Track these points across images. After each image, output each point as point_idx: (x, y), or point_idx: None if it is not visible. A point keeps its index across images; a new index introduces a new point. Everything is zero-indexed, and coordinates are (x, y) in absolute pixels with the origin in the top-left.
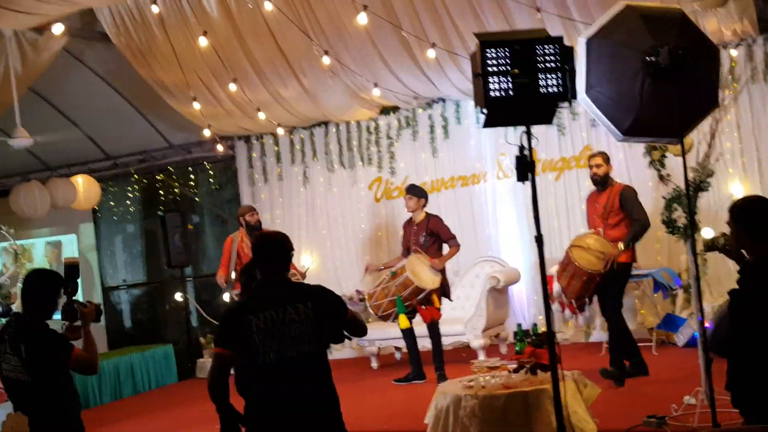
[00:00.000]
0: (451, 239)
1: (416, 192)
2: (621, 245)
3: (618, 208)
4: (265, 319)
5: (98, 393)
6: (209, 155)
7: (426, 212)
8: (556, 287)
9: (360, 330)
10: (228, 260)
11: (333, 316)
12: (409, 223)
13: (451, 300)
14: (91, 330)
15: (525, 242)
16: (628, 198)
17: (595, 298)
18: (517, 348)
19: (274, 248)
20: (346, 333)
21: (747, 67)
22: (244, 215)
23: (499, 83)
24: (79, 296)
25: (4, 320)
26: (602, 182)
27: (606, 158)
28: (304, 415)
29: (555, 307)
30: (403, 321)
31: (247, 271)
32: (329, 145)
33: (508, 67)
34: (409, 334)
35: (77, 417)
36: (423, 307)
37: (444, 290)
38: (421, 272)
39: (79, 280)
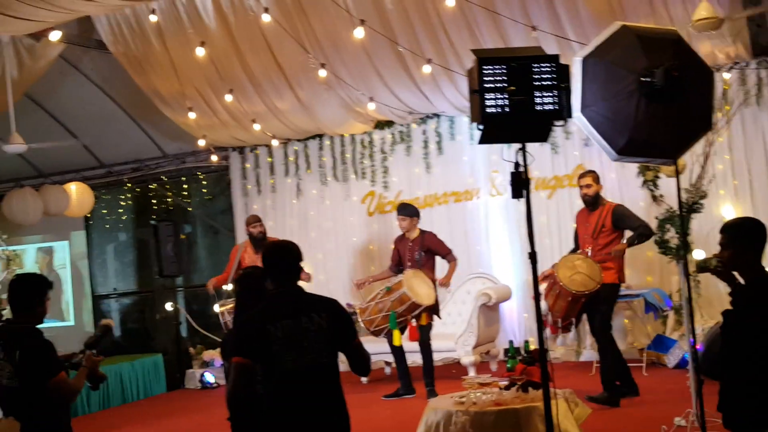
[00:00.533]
0: (448, 254)
1: (408, 212)
2: (624, 241)
3: (610, 228)
4: (282, 328)
5: (86, 402)
6: (203, 165)
7: (419, 229)
8: (543, 305)
9: (363, 366)
10: (230, 269)
11: (342, 334)
12: (402, 239)
13: (440, 317)
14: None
15: (516, 259)
16: (623, 214)
17: (585, 318)
18: (508, 365)
19: (285, 257)
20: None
21: (740, 90)
22: (248, 225)
23: (495, 100)
24: (70, 305)
25: None
26: (593, 202)
27: (595, 177)
28: (317, 424)
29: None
30: (396, 337)
31: (241, 281)
32: (323, 157)
33: (505, 84)
34: (398, 350)
35: (67, 424)
36: (414, 323)
37: (435, 307)
38: (419, 288)
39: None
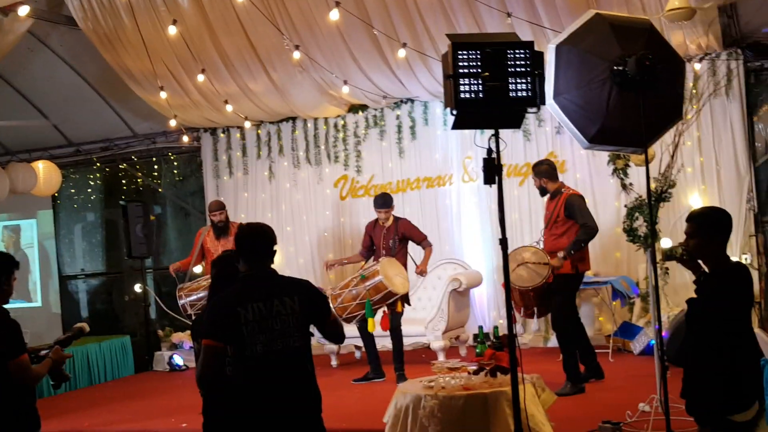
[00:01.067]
0: (423, 240)
1: (387, 203)
2: (560, 254)
3: (563, 218)
4: (253, 311)
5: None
6: (174, 146)
7: (393, 216)
8: None
9: (338, 337)
10: (194, 252)
11: (316, 314)
12: (376, 225)
13: (409, 305)
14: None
15: (487, 245)
16: (573, 204)
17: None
18: (477, 350)
19: (259, 240)
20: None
21: (710, 81)
22: (210, 212)
23: (469, 85)
24: (37, 286)
25: None
26: (543, 193)
27: (538, 172)
28: (287, 407)
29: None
30: (371, 325)
31: (218, 263)
32: (296, 141)
33: (479, 70)
34: (369, 335)
35: (32, 405)
36: (388, 312)
37: (406, 295)
38: (394, 277)
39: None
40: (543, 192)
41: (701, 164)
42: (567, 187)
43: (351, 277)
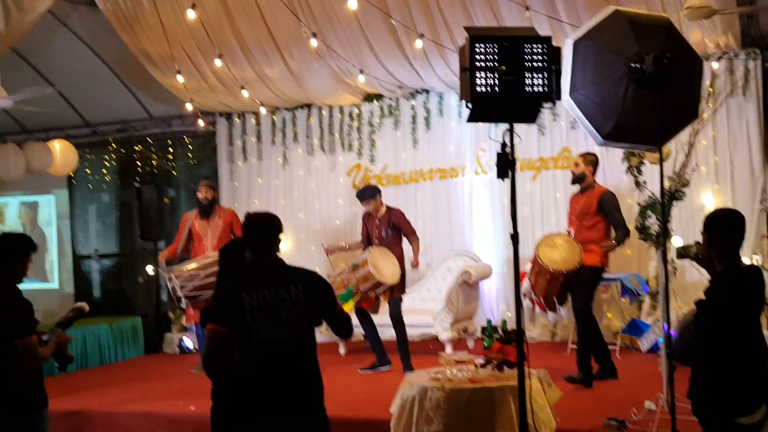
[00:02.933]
0: (411, 234)
1: (368, 195)
2: (613, 240)
3: (594, 211)
4: (258, 299)
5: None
6: (189, 129)
7: (386, 205)
8: (525, 283)
9: (345, 330)
10: (179, 239)
11: (322, 305)
12: (370, 216)
13: (404, 292)
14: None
15: (498, 238)
16: (608, 202)
17: (570, 299)
18: (485, 343)
19: (265, 229)
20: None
21: (727, 80)
22: (197, 190)
23: (485, 79)
24: (54, 266)
25: None
26: (578, 180)
27: (586, 160)
28: (289, 395)
29: (525, 303)
30: (348, 305)
31: (225, 251)
32: (311, 128)
33: (496, 63)
34: (367, 321)
35: (40, 383)
36: (375, 298)
37: (403, 284)
38: (383, 267)
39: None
40: (579, 180)
41: (715, 163)
42: (598, 184)
43: (345, 265)
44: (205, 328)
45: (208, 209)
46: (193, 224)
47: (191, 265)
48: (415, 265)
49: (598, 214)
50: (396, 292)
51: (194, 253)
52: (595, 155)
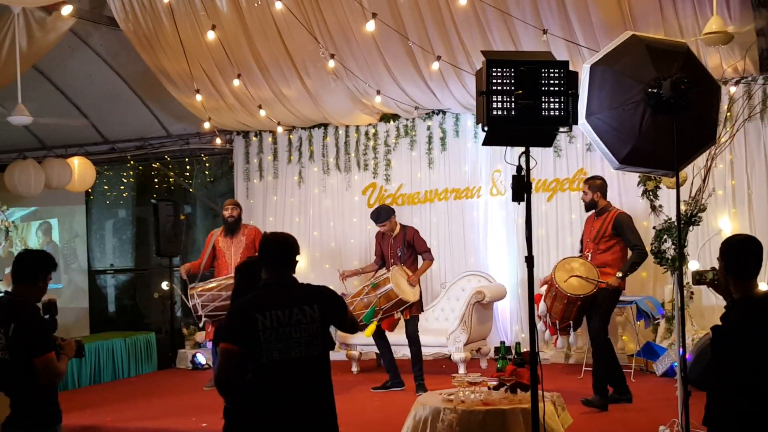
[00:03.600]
0: (425, 252)
1: (384, 217)
2: (619, 273)
3: (610, 234)
4: (271, 319)
5: (77, 376)
6: (207, 147)
7: (400, 224)
8: (542, 306)
9: (354, 328)
10: (204, 255)
11: (336, 319)
12: (384, 235)
13: (422, 311)
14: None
15: (513, 259)
16: (623, 224)
17: (584, 322)
18: (498, 365)
19: (281, 249)
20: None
21: (745, 104)
22: (223, 207)
23: (502, 102)
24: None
25: None
26: (590, 207)
27: (592, 186)
28: (302, 415)
29: (539, 326)
30: (369, 330)
31: (241, 269)
32: (327, 147)
33: (512, 88)
34: (383, 343)
35: (54, 400)
36: (395, 317)
37: (421, 302)
38: (404, 285)
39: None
40: (591, 207)
41: (733, 187)
42: (613, 206)
43: (363, 285)
44: (218, 346)
45: (233, 227)
46: (217, 241)
47: (213, 284)
48: (410, 281)
49: (613, 237)
50: (414, 310)
51: (218, 270)
52: (600, 178)
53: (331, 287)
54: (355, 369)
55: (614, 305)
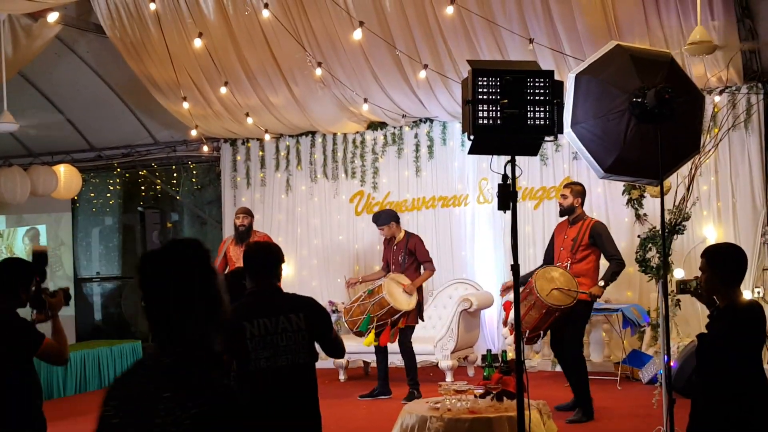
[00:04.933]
0: (426, 262)
1: (383, 220)
2: (601, 283)
3: (587, 243)
4: (259, 327)
5: (62, 385)
6: (194, 155)
7: (405, 231)
8: (511, 315)
9: (339, 352)
10: (217, 262)
11: (320, 331)
12: (389, 241)
13: (423, 320)
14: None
15: (500, 267)
16: (600, 233)
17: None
18: (485, 373)
19: (265, 258)
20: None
21: (729, 114)
22: (235, 216)
23: (488, 111)
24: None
25: None
26: (567, 212)
27: (574, 191)
28: (288, 423)
29: (506, 333)
30: (368, 339)
31: (233, 275)
32: (314, 154)
33: (498, 97)
34: (381, 351)
35: (39, 409)
36: (391, 328)
37: (419, 311)
38: (398, 293)
39: (47, 269)
40: (568, 212)
41: (717, 196)
42: (587, 215)
43: (361, 291)
44: None
45: (244, 235)
46: (229, 249)
47: None
48: (407, 290)
49: (589, 246)
50: (411, 320)
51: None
52: (581, 185)
53: (317, 295)
54: (342, 377)
55: (589, 317)
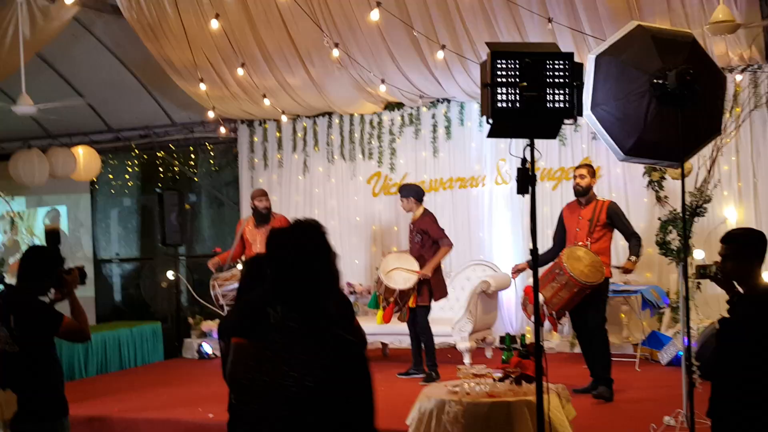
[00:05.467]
0: (440, 239)
1: (404, 192)
2: (632, 257)
3: (604, 223)
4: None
5: (84, 365)
6: (211, 136)
7: (424, 209)
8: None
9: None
10: (235, 243)
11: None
12: (411, 220)
13: (435, 300)
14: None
15: (518, 248)
16: (617, 212)
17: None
18: (503, 357)
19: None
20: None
21: (751, 93)
22: (253, 199)
23: (506, 95)
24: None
25: None
26: (583, 193)
27: (591, 171)
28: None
29: (524, 316)
30: (378, 317)
31: (248, 264)
32: (331, 135)
33: (517, 79)
34: (411, 330)
35: (61, 390)
36: (397, 306)
37: (431, 291)
38: (394, 271)
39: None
40: (584, 193)
41: (738, 176)
42: (597, 196)
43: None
44: (221, 340)
45: (266, 217)
46: (245, 231)
47: (235, 273)
48: (419, 272)
49: (606, 226)
50: (423, 299)
51: (246, 258)
52: (594, 167)
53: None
54: None
55: (608, 294)
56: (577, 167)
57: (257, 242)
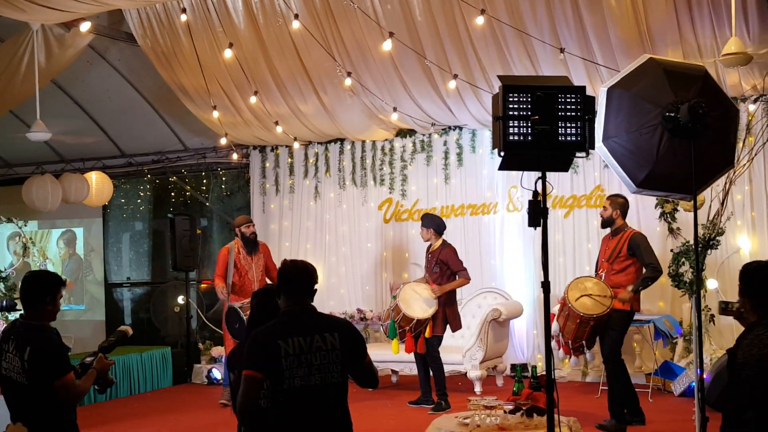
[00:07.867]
0: (460, 271)
1: (425, 222)
2: (629, 288)
3: (625, 254)
4: (293, 346)
5: (93, 391)
6: (223, 162)
7: (443, 240)
8: (554, 325)
9: (372, 380)
10: (224, 270)
11: (354, 354)
12: (428, 249)
13: (452, 330)
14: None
15: (530, 276)
16: (638, 244)
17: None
18: (514, 388)
19: (301, 277)
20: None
21: (764, 124)
22: (239, 226)
23: (518, 128)
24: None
25: (9, 315)
26: (607, 224)
27: (614, 203)
28: None
29: (552, 344)
30: (393, 346)
31: (258, 295)
32: (343, 162)
33: (529, 113)
34: (418, 359)
35: (73, 421)
36: (412, 335)
37: (446, 321)
38: (413, 301)
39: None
40: (608, 224)
41: (751, 205)
42: (629, 227)
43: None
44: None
45: (255, 244)
46: (238, 258)
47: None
48: (434, 291)
49: (628, 257)
50: (438, 329)
51: (243, 288)
52: (623, 197)
53: (345, 302)
54: None
55: (627, 327)
56: (606, 198)
57: (252, 269)
